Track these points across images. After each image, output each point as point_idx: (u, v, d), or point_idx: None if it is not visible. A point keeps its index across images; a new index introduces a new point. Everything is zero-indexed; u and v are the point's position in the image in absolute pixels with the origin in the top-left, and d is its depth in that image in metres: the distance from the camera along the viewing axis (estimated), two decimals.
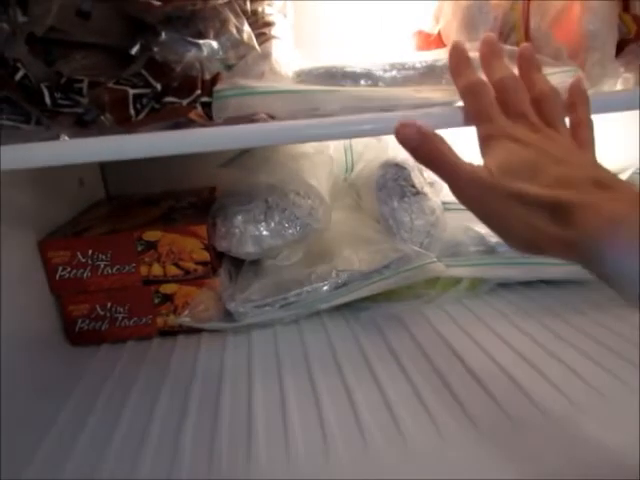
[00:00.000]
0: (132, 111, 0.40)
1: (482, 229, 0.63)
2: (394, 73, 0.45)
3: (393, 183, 0.64)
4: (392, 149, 0.66)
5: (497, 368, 0.47)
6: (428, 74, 0.45)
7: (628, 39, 0.54)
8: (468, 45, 0.49)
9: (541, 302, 0.59)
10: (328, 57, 0.51)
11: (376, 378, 0.47)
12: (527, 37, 0.52)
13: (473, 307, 0.59)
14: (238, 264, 0.64)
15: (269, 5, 0.51)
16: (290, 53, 0.54)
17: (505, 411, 0.41)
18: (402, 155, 0.65)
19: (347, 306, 0.60)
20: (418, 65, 0.46)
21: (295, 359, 0.51)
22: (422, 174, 0.65)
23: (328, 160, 0.69)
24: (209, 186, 0.79)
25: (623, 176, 0.61)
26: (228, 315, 0.57)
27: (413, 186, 0.63)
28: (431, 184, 0.65)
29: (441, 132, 0.46)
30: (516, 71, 0.43)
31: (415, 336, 0.54)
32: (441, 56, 0.48)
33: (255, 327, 0.58)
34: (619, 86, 0.54)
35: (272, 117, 0.47)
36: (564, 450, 0.37)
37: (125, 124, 0.39)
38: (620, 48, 0.54)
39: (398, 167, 0.64)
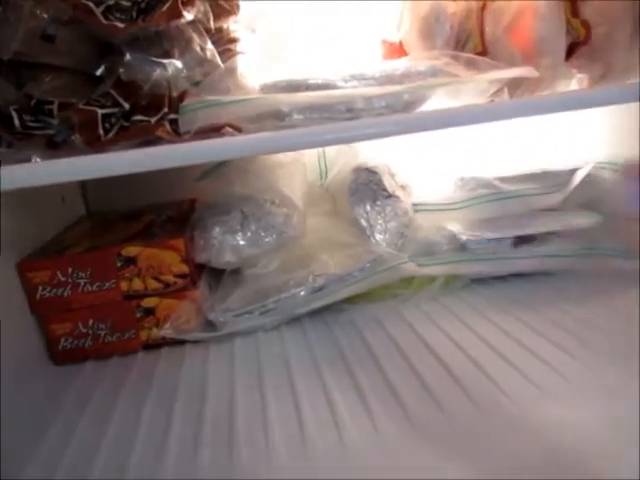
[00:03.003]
0: (101, 131, 0.41)
1: (454, 228, 0.65)
2: (354, 83, 0.47)
3: (365, 187, 0.66)
4: (363, 154, 0.68)
5: (470, 362, 0.48)
6: (387, 83, 0.47)
7: (579, 42, 0.57)
8: (426, 54, 0.51)
9: (512, 295, 0.61)
10: (295, 69, 0.53)
11: (355, 380, 0.48)
12: (483, 43, 0.54)
13: (448, 303, 0.61)
14: (218, 274, 0.65)
15: (234, 22, 0.53)
16: (257, 67, 0.56)
17: (475, 402, 0.43)
18: (373, 160, 0.67)
19: (327, 309, 0.61)
20: (377, 75, 0.48)
21: (276, 365, 0.52)
22: (393, 178, 0.67)
23: (302, 168, 0.71)
24: (190, 198, 0.80)
25: (584, 170, 0.63)
26: (210, 325, 0.58)
27: (385, 189, 0.65)
28: (403, 187, 0.67)
29: (404, 137, 0.48)
30: (470, 75, 0.46)
31: (392, 335, 0.55)
32: (400, 65, 0.50)
33: (237, 335, 0.59)
34: (574, 86, 0.57)
35: (239, 129, 0.48)
36: (531, 436, 0.38)
37: (94, 144, 0.40)
38: (572, 51, 0.57)
39: (369, 172, 0.66)
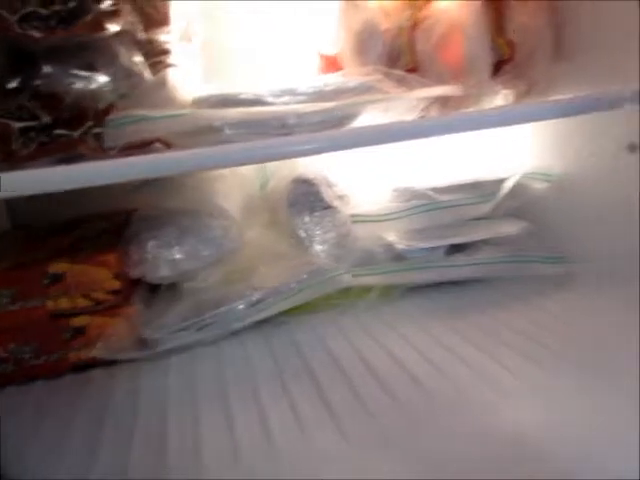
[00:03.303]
0: (17, 145, 0.39)
1: (390, 238, 0.66)
2: (286, 99, 0.47)
3: (303, 198, 0.66)
4: (302, 166, 0.68)
5: (403, 372, 0.49)
6: (318, 99, 0.48)
7: (504, 60, 0.59)
8: (360, 69, 0.52)
9: (445, 302, 0.63)
10: (228, 83, 0.52)
11: (289, 394, 0.48)
12: (415, 60, 0.56)
13: (385, 313, 0.62)
14: (155, 289, 0.64)
15: (166, 33, 0.52)
16: (192, 79, 0.55)
17: (406, 410, 0.44)
18: (311, 171, 0.67)
19: (266, 322, 0.61)
20: (310, 91, 0.48)
21: (211, 383, 0.51)
22: (331, 188, 0.68)
23: (241, 179, 0.70)
24: (127, 209, 0.77)
25: (512, 179, 0.67)
26: (145, 343, 0.57)
27: (323, 201, 0.66)
28: (341, 197, 0.68)
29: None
30: (400, 92, 0.47)
31: (329, 347, 0.56)
32: (332, 81, 0.50)
33: (174, 352, 0.57)
34: (500, 102, 0.59)
35: (169, 145, 0.47)
36: (458, 443, 0.39)
37: (9, 159, 0.38)
38: (498, 68, 0.59)
39: (307, 183, 0.66)
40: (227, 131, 0.47)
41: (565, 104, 0.52)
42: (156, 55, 0.49)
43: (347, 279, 0.61)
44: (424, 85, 0.50)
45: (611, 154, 0.57)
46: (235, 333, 0.60)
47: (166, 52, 0.50)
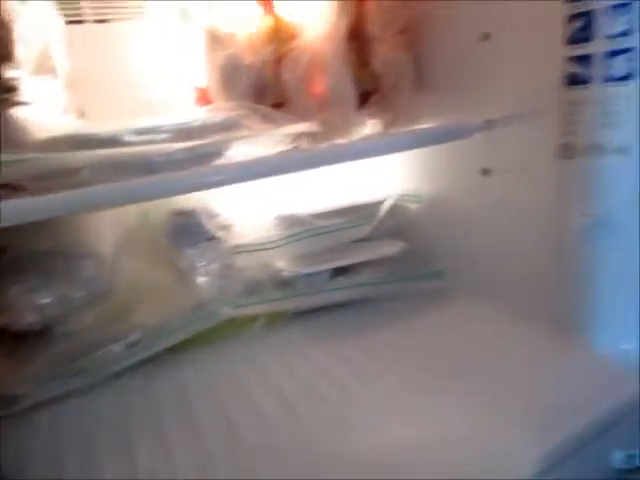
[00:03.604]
0: None
1: (275, 265, 0.67)
2: (148, 137, 0.46)
3: (184, 231, 0.65)
4: (183, 197, 0.67)
5: (282, 402, 0.50)
6: (182, 136, 0.47)
7: (370, 91, 0.62)
8: (226, 104, 0.52)
9: (329, 326, 0.65)
10: (101, 118, 0.50)
11: (165, 435, 0.47)
12: (282, 93, 0.57)
13: (270, 341, 0.62)
14: (24, 337, 0.59)
15: (13, 68, 0.49)
16: (52, 115, 0.52)
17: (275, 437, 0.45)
18: (192, 202, 0.66)
19: (149, 360, 0.59)
20: (173, 127, 0.48)
21: (79, 438, 0.48)
22: (214, 219, 0.67)
23: (120, 214, 0.67)
24: None
25: (388, 202, 0.70)
26: (8, 399, 0.52)
27: (205, 232, 0.65)
28: (224, 228, 0.68)
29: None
30: (266, 129, 0.47)
31: (211, 379, 0.55)
32: (197, 117, 0.50)
33: (44, 405, 0.54)
34: (368, 131, 0.62)
35: (22, 188, 0.44)
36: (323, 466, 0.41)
37: None
38: (365, 99, 0.62)
39: (187, 215, 0.65)
40: (88, 172, 0.45)
41: (420, 135, 0.56)
42: (2, 92, 0.46)
43: (230, 311, 0.60)
44: (287, 120, 0.51)
45: (468, 177, 0.62)
46: (115, 376, 0.57)
47: (13, 89, 0.47)
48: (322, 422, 0.46)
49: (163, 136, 0.47)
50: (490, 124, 0.55)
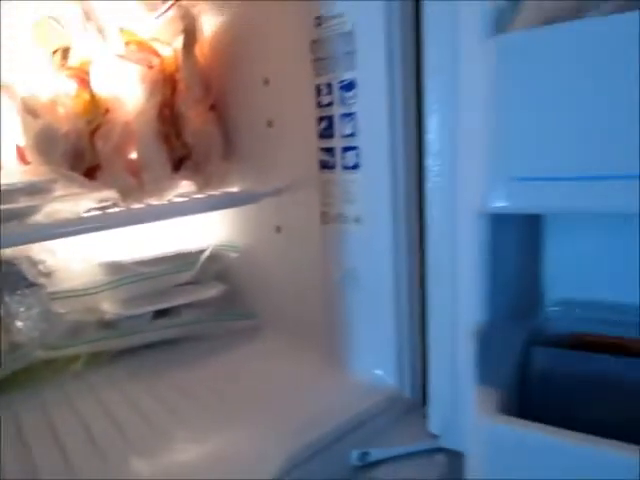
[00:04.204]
0: None
1: (98, 308, 0.73)
2: None
3: (5, 278, 0.68)
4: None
5: (91, 445, 0.55)
6: None
7: (183, 158, 0.73)
8: (40, 168, 0.58)
9: (152, 364, 0.72)
10: None
11: None
12: (98, 159, 0.65)
13: (90, 379, 0.68)
14: None
15: None
16: None
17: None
18: (10, 250, 0.70)
19: None
20: None
21: None
22: (36, 266, 0.72)
23: None
24: None
25: (207, 251, 0.80)
26: None
27: (26, 279, 0.69)
28: (46, 274, 0.72)
29: None
30: (69, 192, 0.55)
31: (23, 423, 0.59)
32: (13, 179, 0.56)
33: None
34: (182, 192, 0.72)
35: None
36: None
37: None
38: (180, 164, 0.72)
39: (8, 263, 0.69)
40: None
41: (219, 199, 0.67)
42: None
43: (43, 353, 0.65)
44: (94, 187, 0.59)
45: (268, 232, 0.74)
46: None
47: None
48: (124, 454, 0.53)
49: None
50: (276, 191, 0.68)
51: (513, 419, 0.33)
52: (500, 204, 0.33)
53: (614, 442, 0.32)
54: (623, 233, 0.43)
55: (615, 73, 0.32)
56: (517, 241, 0.46)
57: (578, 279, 0.46)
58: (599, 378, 0.38)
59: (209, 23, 0.74)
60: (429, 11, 0.45)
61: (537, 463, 0.32)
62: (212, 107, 0.73)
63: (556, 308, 0.46)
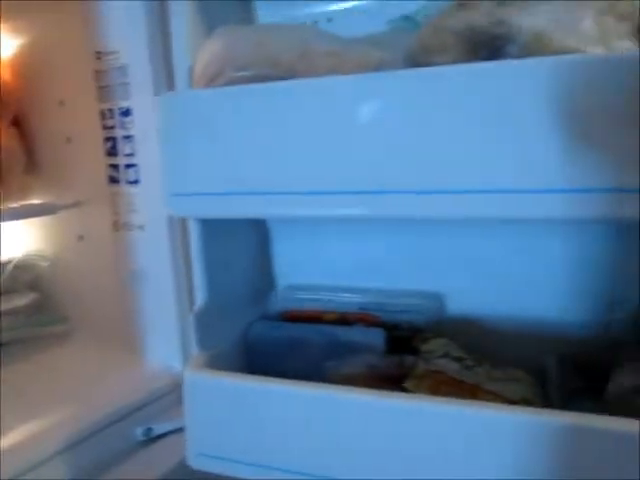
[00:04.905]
0: None
1: None
2: None
3: None
4: None
5: None
6: None
7: None
8: None
9: None
10: None
11: None
12: None
13: None
14: None
15: None
16: None
17: None
18: None
19: None
20: None
21: None
22: None
23: None
24: None
25: (14, 261, 0.83)
26: None
27: None
28: None
29: None
30: None
31: None
32: None
33: None
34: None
35: None
36: None
37: None
38: None
39: None
40: None
41: (19, 210, 0.72)
42: None
43: None
44: None
45: (73, 241, 0.80)
46: None
47: None
48: None
49: None
50: (75, 203, 0.74)
51: (207, 371, 0.44)
52: (174, 212, 0.46)
53: (286, 381, 0.45)
54: (326, 234, 0.58)
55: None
56: (250, 241, 0.59)
57: (300, 269, 0.60)
58: (294, 340, 0.52)
59: (9, 44, 0.78)
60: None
61: (225, 403, 0.44)
62: (14, 123, 0.77)
63: (283, 291, 0.59)
